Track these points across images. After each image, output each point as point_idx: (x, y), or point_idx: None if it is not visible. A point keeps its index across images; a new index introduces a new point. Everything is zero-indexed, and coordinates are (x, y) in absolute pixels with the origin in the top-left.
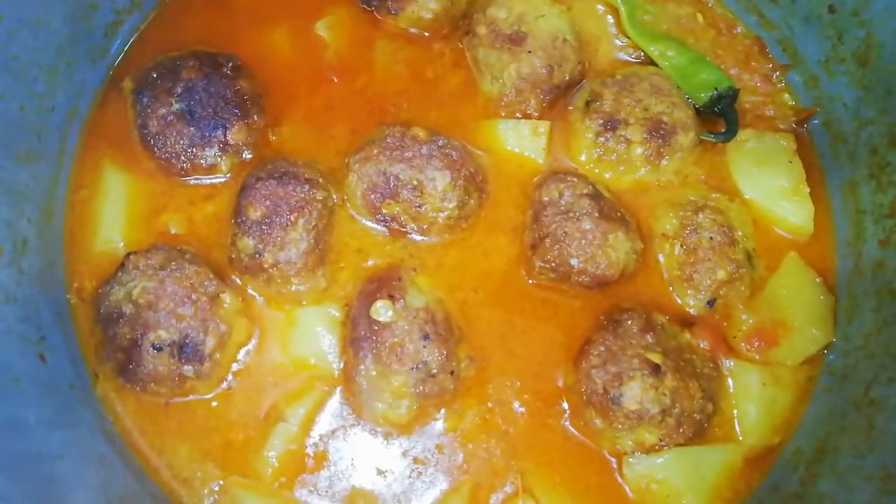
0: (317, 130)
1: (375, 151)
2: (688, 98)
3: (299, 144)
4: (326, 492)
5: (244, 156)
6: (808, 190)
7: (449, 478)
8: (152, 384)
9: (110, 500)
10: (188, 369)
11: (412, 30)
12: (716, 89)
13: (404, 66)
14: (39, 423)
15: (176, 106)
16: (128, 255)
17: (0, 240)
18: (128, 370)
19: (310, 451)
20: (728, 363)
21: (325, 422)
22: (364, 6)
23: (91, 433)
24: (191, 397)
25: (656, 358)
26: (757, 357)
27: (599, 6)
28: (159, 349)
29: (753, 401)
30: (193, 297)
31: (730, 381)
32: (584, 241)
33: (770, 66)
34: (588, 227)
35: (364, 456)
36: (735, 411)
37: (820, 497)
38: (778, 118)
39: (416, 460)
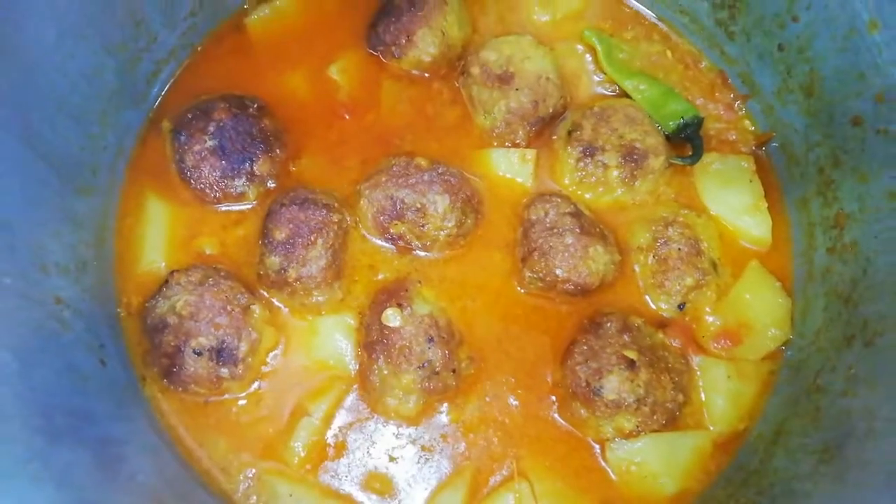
0: (332, 162)
1: (383, 179)
2: (658, 126)
3: (316, 174)
4: (346, 476)
5: (269, 185)
6: (766, 205)
7: (453, 463)
8: (193, 385)
9: (165, 480)
10: (224, 372)
11: (414, 71)
12: (682, 118)
13: (408, 104)
14: (105, 415)
15: (209, 143)
16: (171, 272)
17: (66, 260)
18: (171, 373)
19: (331, 441)
20: (697, 359)
21: (343, 416)
22: (371, 51)
23: (144, 427)
24: (226, 396)
25: (632, 354)
26: (724, 354)
27: (579, 46)
28: (199, 354)
29: (721, 392)
30: (228, 308)
31: (699, 374)
32: (567, 254)
33: (732, 96)
34: (570, 242)
35: (378, 445)
36: (704, 402)
37: (773, 471)
38: (739, 142)
39: (423, 448)
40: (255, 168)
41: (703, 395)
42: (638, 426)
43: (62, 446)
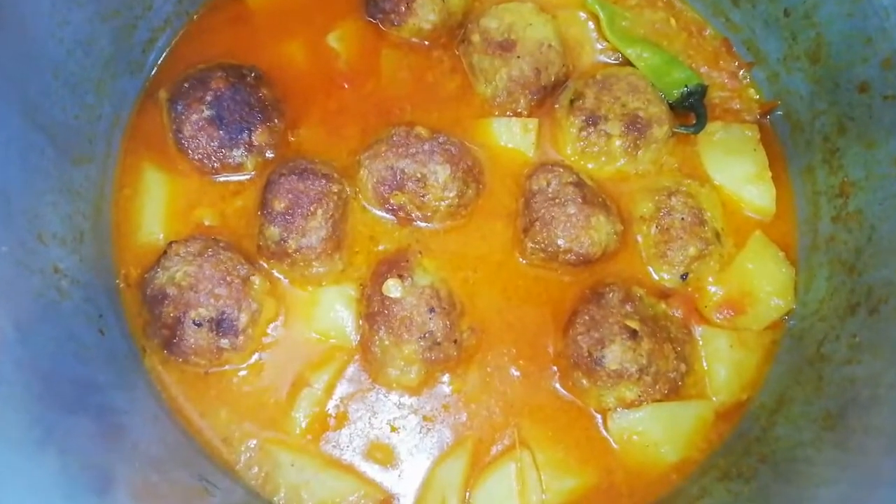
0: (331, 131)
1: (383, 149)
2: (661, 95)
3: (315, 144)
4: (348, 446)
5: (267, 155)
6: (770, 175)
7: (454, 433)
8: (193, 356)
9: (168, 448)
10: (225, 342)
11: (414, 39)
12: (686, 86)
13: (408, 73)
14: (106, 384)
15: (206, 112)
16: (170, 243)
17: (63, 231)
18: (172, 344)
19: (332, 411)
20: (700, 329)
21: (344, 386)
22: (370, 19)
23: (145, 396)
24: (227, 367)
25: (634, 324)
26: (726, 324)
27: (581, 14)
28: (199, 325)
29: (723, 362)
30: (228, 279)
31: (701, 344)
32: (569, 224)
33: (736, 64)
34: (572, 212)
35: (380, 415)
36: (707, 372)
37: (775, 439)
38: (744, 111)
39: (425, 418)
40: (253, 138)
41: (705, 365)
42: (640, 396)
43: (64, 413)
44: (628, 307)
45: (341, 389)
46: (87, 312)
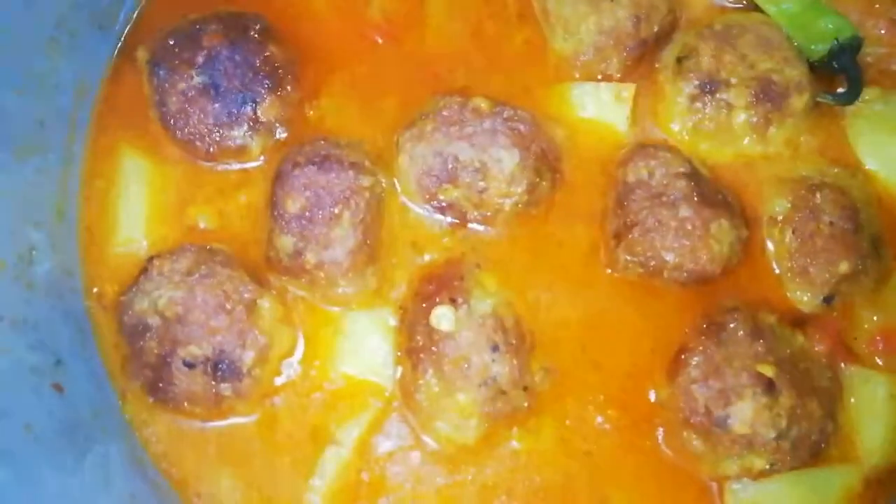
0: (360, 103)
1: (430, 128)
2: (801, 52)
3: (341, 120)
4: None
5: (278, 135)
6: None
7: None
8: (186, 404)
9: None
10: (225, 388)
11: None
12: (836, 40)
13: (461, 23)
14: (59, 478)
15: (197, 79)
16: (150, 259)
17: (2, 254)
18: (157, 389)
19: (365, 477)
20: (848, 370)
21: (380, 444)
22: None
23: (120, 470)
24: (230, 420)
25: (769, 371)
26: (882, 362)
27: None
28: (191, 366)
29: (877, 415)
30: (227, 306)
31: (849, 390)
32: (680, 232)
33: None
34: (686, 215)
35: (426, 483)
36: (855, 426)
37: None
38: None
39: (485, 487)
40: (258, 112)
41: (853, 418)
42: (773, 465)
43: None
44: (759, 344)
45: (376, 448)
46: (36, 365)
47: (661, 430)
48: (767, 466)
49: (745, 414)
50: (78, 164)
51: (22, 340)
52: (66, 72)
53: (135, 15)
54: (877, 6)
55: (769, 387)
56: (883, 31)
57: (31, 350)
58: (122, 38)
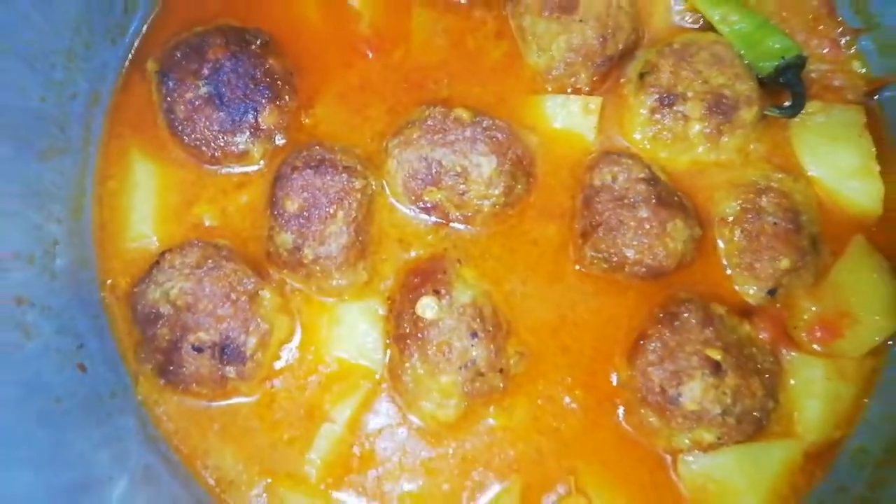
0: (352, 111)
1: (416, 135)
2: (751, 68)
3: (334, 127)
4: (374, 492)
5: (277, 141)
6: (878, 168)
7: (499, 477)
8: (194, 385)
9: None
10: (230, 370)
11: None
12: (783, 58)
13: (444, 38)
14: (86, 445)
15: (203, 89)
16: (163, 253)
17: (29, 246)
18: (168, 371)
19: (356, 451)
20: (789, 355)
21: (371, 421)
22: None
23: (136, 444)
24: (234, 399)
25: (716, 354)
26: (819, 348)
27: None
28: (200, 350)
29: (816, 395)
30: (232, 296)
31: (790, 373)
32: (640, 231)
33: (840, 30)
34: (645, 215)
35: (412, 456)
36: (796, 405)
37: (890, 501)
38: (846, 89)
39: (465, 459)
40: (259, 120)
41: (794, 398)
42: (720, 438)
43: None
44: (708, 331)
45: (366, 425)
46: (62, 348)
47: (621, 408)
48: (715, 440)
49: (694, 392)
50: (92, 165)
51: (49, 325)
52: (82, 82)
53: (144, 29)
54: (821, 27)
55: (716, 368)
56: (826, 51)
57: (57, 334)
58: (133, 51)
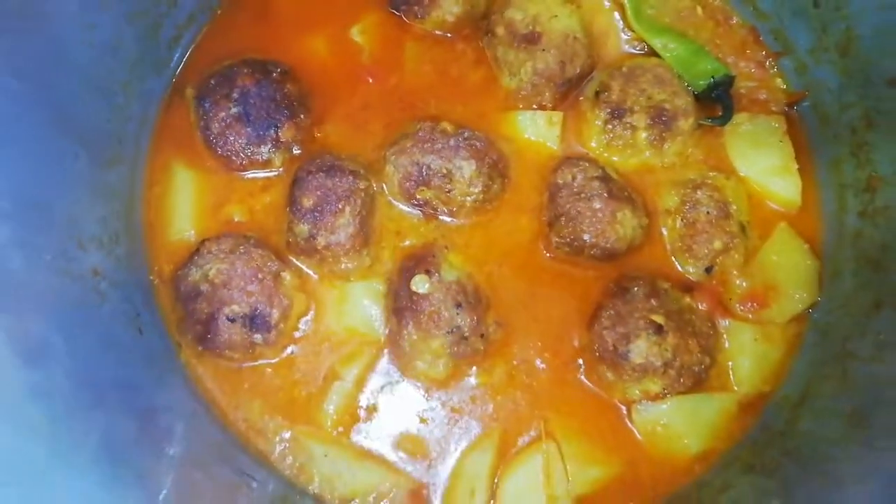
0: (356, 127)
1: (409, 144)
2: (687, 86)
3: (341, 139)
4: (378, 437)
5: (294, 151)
6: (797, 167)
7: (481, 424)
8: (227, 351)
9: (207, 445)
10: (258, 337)
11: (437, 32)
12: (713, 77)
13: (431, 66)
14: (148, 384)
15: (234, 109)
16: (203, 241)
17: (100, 233)
18: (206, 339)
19: (363, 404)
20: (724, 323)
21: (374, 380)
22: (393, 11)
23: (183, 394)
24: (260, 361)
25: (659, 319)
26: (750, 317)
27: (606, 2)
28: (233, 321)
29: (747, 355)
30: (259, 275)
31: (725, 338)
32: (594, 219)
33: (763, 53)
34: (598, 206)
35: (408, 407)
36: (730, 364)
37: (800, 434)
38: (770, 102)
39: (453, 410)
40: (280, 134)
41: (728, 358)
42: (664, 389)
43: (113, 420)
44: (653, 301)
45: (371, 382)
46: (126, 312)
47: (583, 366)
48: (661, 390)
49: (640, 349)
50: (141, 174)
51: (117, 294)
52: (135, 106)
53: (183, 62)
54: (748, 51)
55: (659, 329)
56: (753, 70)
57: (123, 302)
58: (174, 80)
